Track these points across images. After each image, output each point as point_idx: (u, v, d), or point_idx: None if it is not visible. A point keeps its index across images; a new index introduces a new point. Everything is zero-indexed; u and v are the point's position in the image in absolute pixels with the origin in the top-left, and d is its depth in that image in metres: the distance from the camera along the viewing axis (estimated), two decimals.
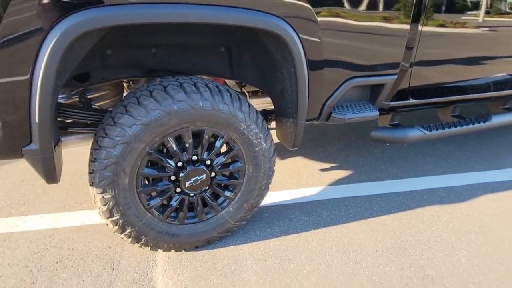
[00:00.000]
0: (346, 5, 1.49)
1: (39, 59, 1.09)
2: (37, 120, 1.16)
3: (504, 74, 2.19)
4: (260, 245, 1.71)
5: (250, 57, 1.71)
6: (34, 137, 1.20)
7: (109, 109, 1.44)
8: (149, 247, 1.58)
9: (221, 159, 1.55)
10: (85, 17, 1.08)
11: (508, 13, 1.96)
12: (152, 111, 1.31)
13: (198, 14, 1.23)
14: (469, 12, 1.83)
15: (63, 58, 1.11)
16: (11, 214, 1.90)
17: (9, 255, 1.61)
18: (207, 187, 1.57)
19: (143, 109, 1.31)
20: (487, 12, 1.87)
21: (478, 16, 1.86)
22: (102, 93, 1.84)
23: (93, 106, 1.75)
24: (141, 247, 1.58)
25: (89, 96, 1.73)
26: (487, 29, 1.91)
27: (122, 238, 1.52)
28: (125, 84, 2.02)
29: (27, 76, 1.10)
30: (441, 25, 1.78)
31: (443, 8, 1.74)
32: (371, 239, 1.77)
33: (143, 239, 1.53)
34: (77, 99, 1.69)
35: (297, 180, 2.28)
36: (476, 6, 1.83)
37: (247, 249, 1.68)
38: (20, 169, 2.33)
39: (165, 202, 1.54)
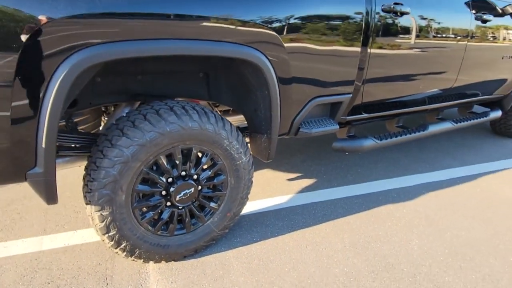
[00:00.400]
0: (308, 31, 1.75)
1: (49, 89, 1.20)
2: (43, 145, 1.26)
3: (436, 89, 2.60)
4: (243, 250, 1.88)
5: (226, 81, 1.91)
6: (39, 161, 1.29)
7: (99, 132, 1.55)
8: (142, 260, 1.69)
9: (207, 173, 1.71)
10: (93, 52, 1.22)
11: (437, 37, 2.36)
12: (147, 133, 1.45)
13: (186, 48, 1.41)
14: (406, 36, 2.19)
15: (70, 88, 1.23)
16: None
17: None
18: (195, 200, 1.72)
19: (139, 131, 1.45)
20: (418, 36, 2.25)
21: (412, 40, 2.23)
22: (84, 117, 1.93)
23: (78, 130, 1.83)
24: (134, 260, 1.68)
25: (74, 120, 1.81)
26: (420, 50, 2.30)
27: (117, 252, 1.61)
28: (102, 108, 2.12)
29: (37, 104, 1.20)
30: (385, 48, 2.12)
31: (386, 33, 2.08)
32: (339, 236, 2.02)
33: (137, 252, 1.63)
34: (64, 123, 1.77)
35: (268, 190, 2.49)
36: (412, 31, 2.20)
37: (232, 255, 1.84)
38: None
39: (155, 216, 1.66)
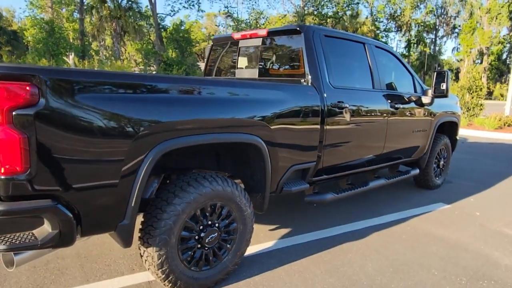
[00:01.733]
0: (285, 120, 2.64)
1: (140, 169, 1.91)
2: (133, 205, 1.92)
3: (372, 155, 3.62)
4: (249, 280, 2.52)
5: (231, 157, 2.70)
6: (127, 216, 1.94)
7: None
8: None
9: (225, 222, 2.41)
10: (167, 146, 1.97)
11: (367, 119, 3.42)
12: (191, 194, 2.16)
13: (215, 138, 2.23)
14: (347, 120, 3.19)
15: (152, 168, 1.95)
16: None
17: None
18: (217, 242, 2.39)
19: (186, 193, 2.15)
20: (355, 119, 3.26)
21: (351, 122, 3.24)
22: None
23: None
24: None
25: None
26: (358, 128, 3.31)
27: (165, 284, 2.19)
28: None
29: (134, 176, 1.89)
30: (334, 129, 3.08)
31: (334, 119, 3.06)
32: (316, 266, 2.74)
33: (179, 283, 2.22)
34: None
35: (257, 238, 3.17)
36: (350, 117, 3.22)
37: (242, 284, 2.47)
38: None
39: (191, 256, 2.29)
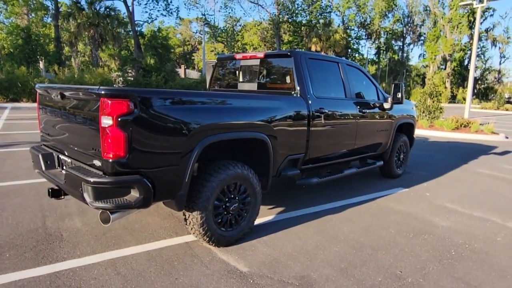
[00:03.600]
0: (282, 121, 3.61)
1: (192, 155, 2.82)
2: (186, 180, 2.83)
3: (345, 150, 4.65)
4: (260, 239, 3.46)
5: (242, 149, 3.64)
6: (183, 188, 2.84)
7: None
8: (214, 244, 3.17)
9: (242, 196, 3.34)
10: (207, 141, 2.89)
11: (342, 121, 4.44)
12: (221, 175, 3.09)
13: (238, 135, 3.17)
14: (327, 122, 4.20)
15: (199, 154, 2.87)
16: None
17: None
18: (237, 211, 3.31)
19: (218, 174, 3.08)
20: (332, 121, 4.28)
21: (330, 123, 4.26)
22: None
23: None
24: (211, 244, 3.16)
25: None
26: (335, 128, 4.33)
27: (204, 239, 3.10)
28: None
29: (189, 160, 2.80)
30: (317, 128, 4.08)
31: (317, 121, 4.06)
32: (308, 230, 3.72)
33: (213, 238, 3.13)
34: None
35: (261, 214, 4.11)
36: (329, 119, 4.23)
37: (255, 241, 3.41)
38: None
39: (220, 219, 3.21)
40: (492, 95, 49.04)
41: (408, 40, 49.48)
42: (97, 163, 2.62)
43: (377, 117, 5.18)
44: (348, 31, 44.52)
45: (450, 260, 3.18)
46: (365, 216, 4.20)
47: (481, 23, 44.14)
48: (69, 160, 3.04)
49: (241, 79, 4.69)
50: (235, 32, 42.09)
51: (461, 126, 12.95)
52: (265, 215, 4.09)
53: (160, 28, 40.77)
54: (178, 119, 2.76)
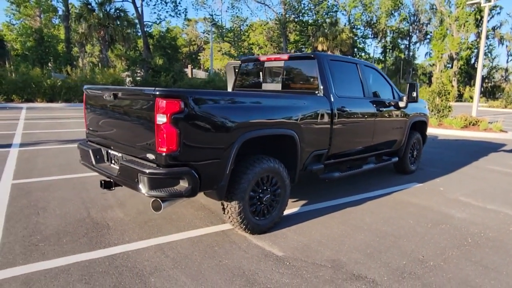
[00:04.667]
0: (308, 119, 3.90)
1: (233, 148, 3.11)
2: (227, 172, 3.13)
3: (364, 146, 4.93)
4: (290, 227, 3.74)
5: (272, 145, 3.92)
6: (224, 179, 3.14)
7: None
8: (249, 232, 3.46)
9: (274, 188, 3.63)
10: (246, 137, 3.19)
11: (361, 119, 4.72)
12: (256, 168, 3.38)
13: (273, 131, 3.46)
14: (348, 120, 4.48)
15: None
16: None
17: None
18: (269, 201, 3.61)
19: (253, 167, 3.37)
20: (353, 119, 4.56)
21: (351, 121, 4.53)
22: None
23: None
24: (246, 231, 3.45)
25: None
26: (355, 126, 4.61)
27: (240, 227, 3.39)
28: None
29: (230, 154, 3.10)
30: (339, 126, 4.36)
31: (339, 119, 4.34)
32: (333, 220, 4.00)
33: (249, 226, 3.43)
34: None
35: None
36: (350, 117, 4.50)
37: (286, 229, 3.70)
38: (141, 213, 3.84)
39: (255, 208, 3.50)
40: (499, 93, 48.87)
41: (414, 38, 49.52)
42: (150, 156, 2.92)
43: (393, 115, 5.44)
44: (354, 30, 44.65)
45: (467, 247, 3.45)
46: (384, 208, 4.47)
47: (488, 21, 44.02)
48: (119, 155, 3.35)
49: (265, 80, 4.99)
50: (241, 32, 42.38)
51: (469, 124, 13.13)
52: (291, 207, 4.38)
53: (168, 28, 41.19)
54: (221, 116, 3.06)
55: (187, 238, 3.46)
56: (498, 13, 45.21)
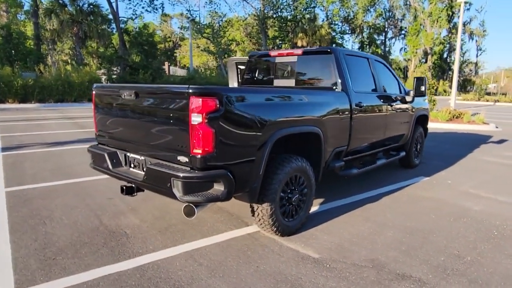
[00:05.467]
0: (329, 116, 3.80)
1: (266, 149, 2.97)
2: (261, 173, 2.98)
3: (378, 140, 4.88)
4: (317, 227, 3.64)
5: (295, 144, 3.79)
6: (257, 181, 2.98)
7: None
8: (280, 234, 3.33)
9: (301, 187, 3.51)
10: (277, 135, 3.05)
11: (376, 114, 4.67)
12: (286, 168, 3.24)
13: (302, 129, 3.33)
14: (364, 115, 4.41)
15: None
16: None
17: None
18: (297, 201, 3.48)
19: (283, 167, 3.23)
20: (368, 115, 4.50)
21: (367, 117, 4.47)
22: None
23: None
24: (277, 234, 3.32)
25: None
26: (370, 121, 4.55)
27: (271, 229, 3.25)
28: None
29: (264, 154, 2.95)
30: (357, 121, 4.29)
31: (357, 115, 4.26)
32: (357, 217, 3.93)
33: (279, 228, 3.29)
34: None
35: None
36: (365, 113, 4.44)
37: (313, 229, 3.59)
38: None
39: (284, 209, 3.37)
40: (470, 87, 50.80)
41: (390, 34, 50.58)
42: (182, 159, 2.73)
43: (401, 109, 5.44)
44: (332, 26, 45.06)
45: (496, 240, 3.46)
46: (401, 204, 4.45)
47: (458, 17, 45.68)
48: (141, 158, 3.13)
49: (276, 76, 4.84)
50: (220, 28, 41.86)
51: (453, 117, 13.49)
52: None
53: (145, 24, 40.08)
54: (255, 114, 2.91)
55: (214, 243, 3.29)
56: (468, 9, 46.72)
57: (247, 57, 5.34)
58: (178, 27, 55.27)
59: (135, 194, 3.39)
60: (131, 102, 3.09)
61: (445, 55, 48.58)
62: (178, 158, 2.76)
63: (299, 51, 4.55)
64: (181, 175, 2.63)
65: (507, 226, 3.79)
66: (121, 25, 34.04)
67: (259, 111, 2.94)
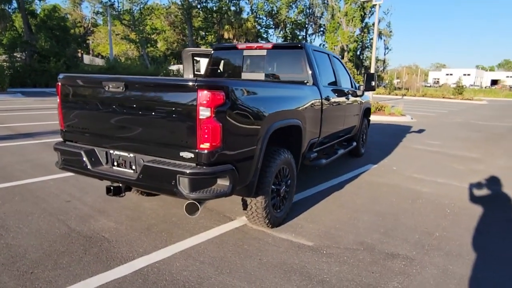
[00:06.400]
0: (308, 109, 3.95)
1: (264, 141, 2.97)
2: (259, 166, 2.98)
3: (339, 132, 5.20)
4: (300, 216, 3.77)
5: (277, 136, 3.84)
6: (255, 174, 2.98)
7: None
8: (271, 225, 3.38)
9: (286, 179, 3.60)
10: (272, 128, 3.08)
11: (338, 106, 4.96)
12: (277, 160, 3.30)
13: (289, 122, 3.40)
14: (331, 107, 4.66)
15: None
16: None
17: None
18: (284, 192, 3.56)
19: (276, 160, 3.28)
20: (333, 107, 4.76)
21: (333, 109, 4.73)
22: None
23: None
24: (268, 226, 3.36)
25: None
26: (334, 112, 4.82)
27: (264, 222, 3.28)
28: None
29: (262, 147, 2.95)
30: (327, 112, 4.51)
31: (326, 107, 4.49)
32: (335, 202, 4.16)
33: (271, 219, 3.34)
34: None
35: None
36: (331, 105, 4.69)
37: (297, 218, 3.71)
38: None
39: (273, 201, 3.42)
40: (379, 82, 56.16)
41: (310, 30, 53.24)
42: (186, 155, 2.59)
43: (354, 102, 5.85)
44: (257, 19, 45.82)
45: (450, 216, 3.98)
46: (364, 190, 4.83)
47: (368, 18, 50.10)
48: (129, 155, 2.89)
49: (244, 69, 4.82)
50: (142, 15, 39.61)
51: (376, 109, 14.87)
52: None
53: (55, 6, 35.98)
54: (256, 107, 2.89)
55: (207, 240, 3.21)
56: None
57: (202, 49, 5.21)
58: (91, 12, 50.66)
59: (123, 194, 3.11)
60: (118, 95, 2.82)
61: (358, 52, 52.89)
62: (181, 154, 2.61)
63: (269, 45, 4.60)
64: (188, 171, 2.51)
65: (454, 204, 4.38)
66: (25, 6, 30.13)
67: (259, 103, 2.93)
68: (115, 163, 3.00)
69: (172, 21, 43.42)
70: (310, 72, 4.33)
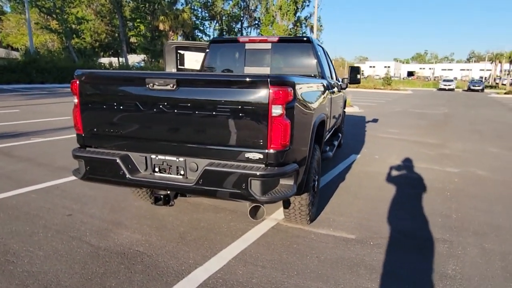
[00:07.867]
0: (326, 99, 3.98)
1: (312, 135, 2.92)
2: (309, 162, 2.92)
3: (335, 122, 5.31)
4: (324, 210, 3.80)
5: None
6: (306, 170, 2.92)
7: None
8: (310, 222, 3.34)
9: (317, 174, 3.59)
10: (317, 122, 3.03)
11: (336, 94, 5.06)
12: (315, 156, 3.27)
13: (323, 116, 3.38)
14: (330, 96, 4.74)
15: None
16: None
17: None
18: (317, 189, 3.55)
19: (314, 155, 3.24)
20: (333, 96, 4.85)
21: (333, 98, 4.81)
22: None
23: None
24: (308, 222, 3.32)
25: None
26: (334, 102, 4.92)
27: (306, 219, 3.24)
28: None
29: (311, 143, 2.89)
30: (332, 107, 4.58)
31: (332, 98, 4.55)
32: (332, 192, 4.25)
33: (311, 216, 3.31)
34: None
35: None
36: (324, 93, 4.77)
37: (322, 214, 3.73)
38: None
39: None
40: None
41: (245, 23, 53.40)
42: (254, 156, 2.42)
43: (342, 94, 6.03)
44: (193, 11, 44.63)
45: (454, 198, 4.33)
46: (362, 179, 5.03)
47: (300, 12, 51.81)
48: (178, 160, 2.62)
49: (248, 63, 4.66)
50: (66, 3, 36.05)
51: None
52: None
53: None
54: (308, 103, 2.82)
55: (252, 243, 3.07)
56: (307, 5, 53.35)
57: (188, 41, 4.94)
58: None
59: (173, 203, 2.82)
60: (167, 94, 2.51)
61: None
62: (247, 156, 2.44)
63: (275, 39, 4.50)
64: (259, 173, 2.36)
65: (449, 186, 4.78)
66: None
67: (309, 98, 2.87)
68: (157, 169, 2.70)
69: (99, 10, 40.31)
70: (318, 65, 4.34)
